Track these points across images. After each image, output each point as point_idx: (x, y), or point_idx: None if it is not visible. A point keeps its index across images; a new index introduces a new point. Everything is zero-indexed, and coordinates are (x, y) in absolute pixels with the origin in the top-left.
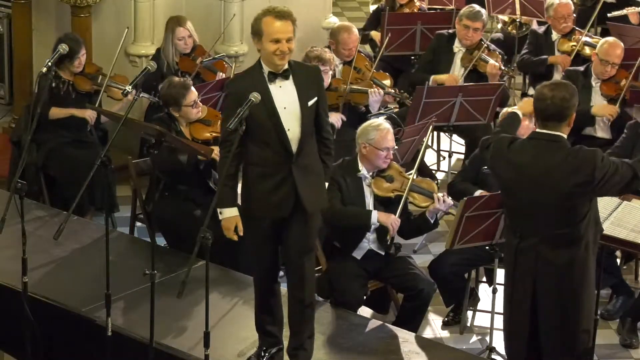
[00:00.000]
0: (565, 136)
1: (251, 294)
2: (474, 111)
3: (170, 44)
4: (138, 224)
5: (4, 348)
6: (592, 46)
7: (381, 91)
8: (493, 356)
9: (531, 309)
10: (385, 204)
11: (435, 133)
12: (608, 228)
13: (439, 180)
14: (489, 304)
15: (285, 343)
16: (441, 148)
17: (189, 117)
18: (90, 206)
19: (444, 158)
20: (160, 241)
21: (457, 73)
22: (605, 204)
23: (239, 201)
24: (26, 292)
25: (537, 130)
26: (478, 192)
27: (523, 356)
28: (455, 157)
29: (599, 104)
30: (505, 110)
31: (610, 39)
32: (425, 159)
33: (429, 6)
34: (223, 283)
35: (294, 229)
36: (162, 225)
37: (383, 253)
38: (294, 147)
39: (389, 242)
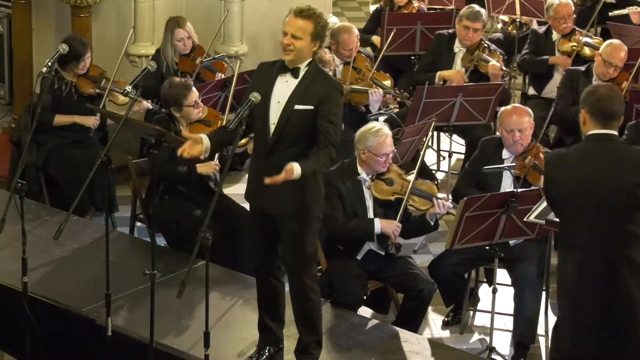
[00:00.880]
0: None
1: (251, 294)
2: (474, 111)
3: (169, 44)
4: (138, 224)
5: (4, 348)
6: (593, 47)
7: (381, 91)
8: (493, 356)
9: (602, 315)
10: (385, 206)
11: (435, 133)
12: None
13: (439, 181)
14: (489, 304)
15: (293, 344)
16: (441, 148)
17: (190, 117)
18: (90, 206)
19: (444, 158)
20: (160, 241)
21: None
22: None
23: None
24: (26, 292)
25: (595, 131)
26: None
27: None
28: (455, 157)
29: None
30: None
31: (615, 41)
32: (426, 159)
33: (429, 6)
34: (223, 283)
35: (283, 237)
36: (162, 225)
37: (383, 253)
38: (271, 141)
39: (390, 247)
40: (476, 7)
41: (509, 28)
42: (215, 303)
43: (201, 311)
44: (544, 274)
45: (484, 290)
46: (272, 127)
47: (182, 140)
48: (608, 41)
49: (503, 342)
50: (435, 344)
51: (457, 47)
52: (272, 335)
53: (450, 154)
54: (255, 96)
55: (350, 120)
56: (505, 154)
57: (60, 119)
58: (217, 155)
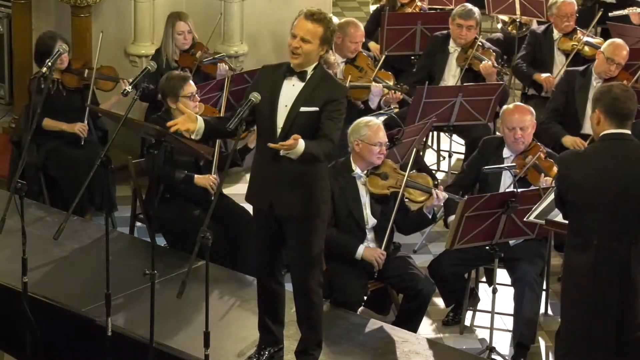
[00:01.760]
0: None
1: (251, 294)
2: (474, 111)
3: (170, 38)
4: (138, 224)
5: (4, 348)
6: (593, 46)
7: (380, 85)
8: (493, 356)
9: (619, 311)
10: (382, 201)
11: (435, 133)
12: None
13: (438, 181)
14: (489, 304)
15: (293, 344)
16: (441, 148)
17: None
18: (90, 206)
19: (444, 158)
20: (160, 241)
21: (453, 73)
22: None
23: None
24: (26, 292)
25: (610, 131)
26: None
27: None
28: (455, 157)
29: None
30: None
31: (618, 40)
32: (425, 159)
33: (429, 6)
34: (223, 283)
35: (289, 238)
36: (162, 225)
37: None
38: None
39: (375, 275)
40: (468, 5)
41: (509, 28)
42: (215, 303)
43: (201, 311)
44: (544, 274)
45: (484, 290)
46: (279, 131)
47: (183, 140)
48: (610, 39)
49: (503, 342)
50: (435, 344)
51: (452, 47)
52: (272, 336)
53: (450, 154)
54: (255, 96)
55: (349, 117)
56: (506, 152)
57: (49, 123)
58: (214, 165)
